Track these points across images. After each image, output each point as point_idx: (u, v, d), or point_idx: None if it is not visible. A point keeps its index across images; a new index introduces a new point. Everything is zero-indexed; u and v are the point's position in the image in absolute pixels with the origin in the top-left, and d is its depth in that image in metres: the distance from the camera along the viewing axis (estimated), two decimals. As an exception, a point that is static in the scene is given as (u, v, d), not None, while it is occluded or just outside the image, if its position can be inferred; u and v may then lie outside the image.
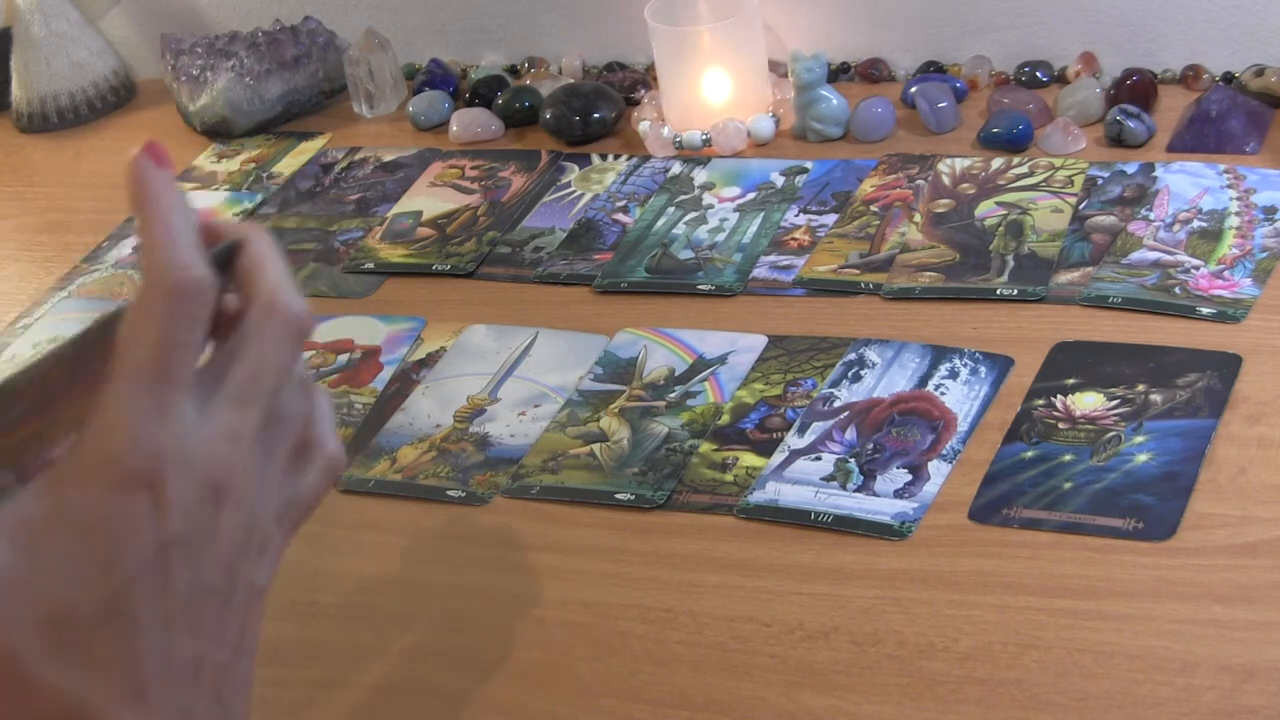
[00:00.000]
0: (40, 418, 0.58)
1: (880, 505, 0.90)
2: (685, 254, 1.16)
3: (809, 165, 1.23)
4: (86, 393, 0.57)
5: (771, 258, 1.13)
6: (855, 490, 0.91)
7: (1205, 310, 0.99)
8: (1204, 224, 1.06)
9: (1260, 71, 1.19)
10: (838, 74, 1.35)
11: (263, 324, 0.59)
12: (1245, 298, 0.99)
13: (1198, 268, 1.03)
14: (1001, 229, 1.10)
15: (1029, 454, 0.91)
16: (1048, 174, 1.15)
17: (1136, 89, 1.21)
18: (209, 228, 0.62)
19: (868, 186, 1.19)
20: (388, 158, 1.37)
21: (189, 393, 0.57)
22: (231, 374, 0.58)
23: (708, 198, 1.22)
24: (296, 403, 0.61)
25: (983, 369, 0.98)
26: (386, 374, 1.10)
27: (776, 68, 1.32)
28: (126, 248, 1.31)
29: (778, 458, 0.95)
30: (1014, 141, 1.19)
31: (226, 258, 0.61)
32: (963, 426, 0.94)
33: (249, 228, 0.63)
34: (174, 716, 0.56)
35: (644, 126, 1.30)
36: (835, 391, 0.99)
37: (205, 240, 0.60)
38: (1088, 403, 0.94)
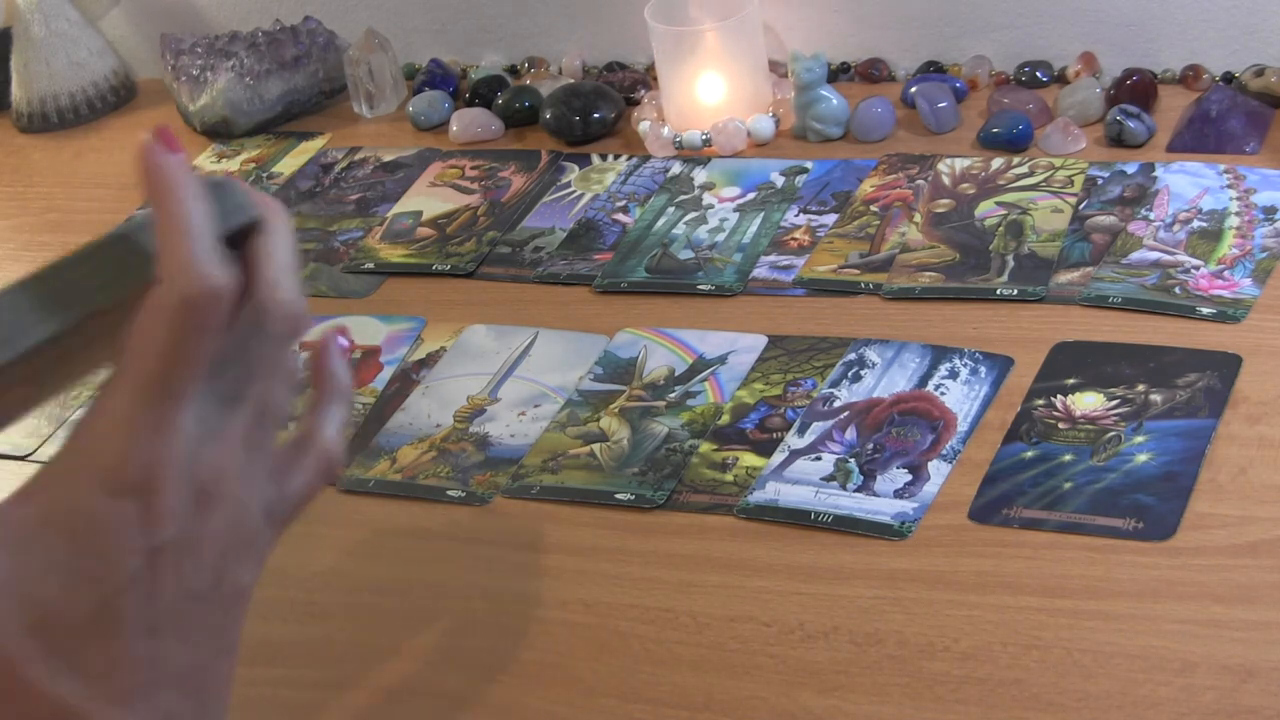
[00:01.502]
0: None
1: (880, 505, 0.90)
2: (685, 254, 1.16)
3: (809, 165, 1.23)
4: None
5: (771, 258, 1.13)
6: (855, 490, 0.91)
7: (1205, 310, 0.99)
8: (1204, 224, 1.06)
9: (1260, 71, 1.19)
10: (838, 74, 1.35)
11: (259, 319, 0.59)
12: (1245, 298, 0.99)
13: (1198, 268, 1.03)
14: (1001, 229, 1.10)
15: (1029, 454, 0.91)
16: (1048, 174, 1.15)
17: (1136, 89, 1.21)
18: (227, 182, 0.60)
19: (868, 186, 1.19)
20: (388, 158, 1.37)
21: (190, 406, 0.56)
22: (225, 374, 0.58)
23: (708, 198, 1.22)
24: (285, 398, 0.60)
25: (983, 369, 0.98)
26: (386, 374, 1.10)
27: (776, 68, 1.32)
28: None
29: (778, 458, 0.95)
30: (1014, 141, 1.19)
31: (243, 233, 0.59)
32: (963, 426, 0.94)
33: (271, 206, 0.61)
34: (159, 719, 0.56)
35: (644, 126, 1.30)
36: (835, 391, 0.99)
37: (227, 208, 0.58)
38: (1088, 403, 0.94)
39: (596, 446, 0.99)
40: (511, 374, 1.08)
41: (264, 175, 1.39)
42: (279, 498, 0.61)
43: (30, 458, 1.09)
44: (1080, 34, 1.27)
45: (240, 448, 0.58)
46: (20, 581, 0.55)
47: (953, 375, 0.98)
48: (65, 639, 0.55)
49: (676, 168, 1.26)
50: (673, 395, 1.02)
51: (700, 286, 1.12)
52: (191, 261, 0.55)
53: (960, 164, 1.19)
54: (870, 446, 0.94)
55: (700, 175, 1.24)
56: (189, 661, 0.57)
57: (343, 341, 0.65)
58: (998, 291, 1.05)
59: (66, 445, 0.56)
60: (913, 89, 1.27)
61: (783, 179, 1.22)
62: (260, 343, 0.59)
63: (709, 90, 1.28)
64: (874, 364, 1.00)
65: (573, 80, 1.41)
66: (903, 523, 0.89)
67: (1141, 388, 0.94)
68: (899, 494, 0.91)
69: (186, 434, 0.56)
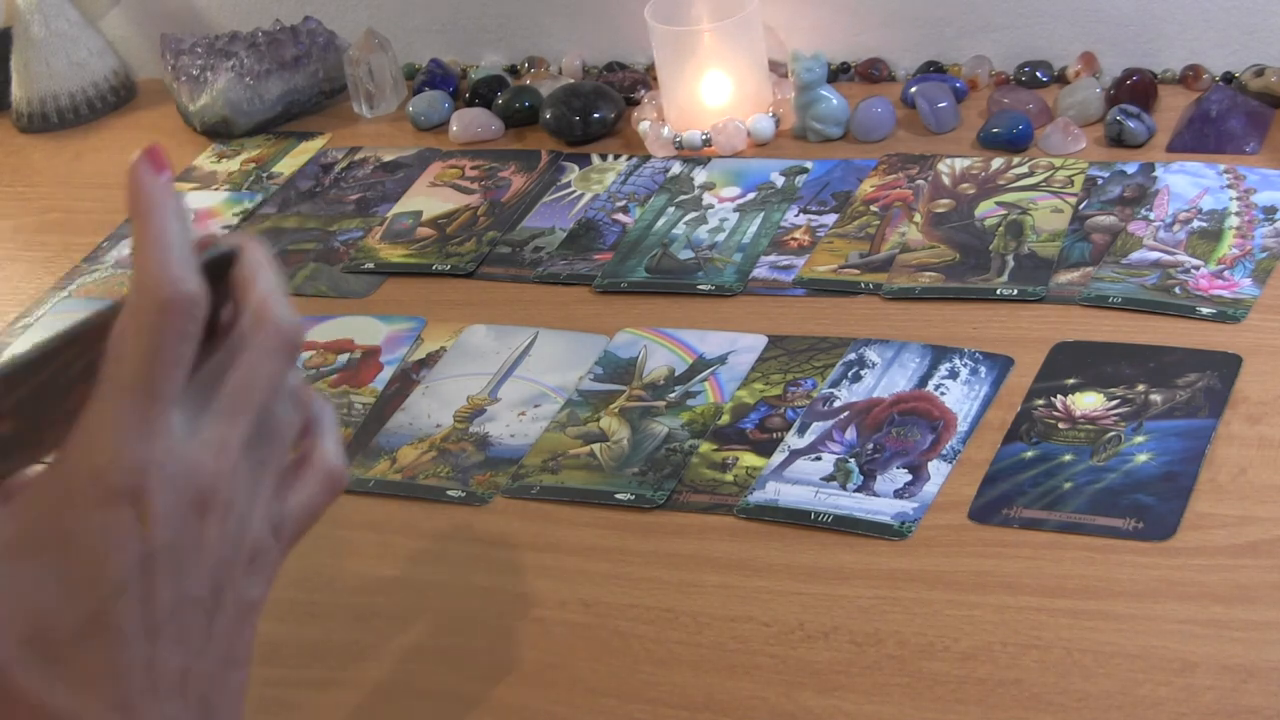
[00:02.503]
0: (23, 417, 0.58)
1: (880, 505, 0.90)
2: (685, 254, 1.16)
3: (809, 165, 1.23)
4: (70, 405, 0.57)
5: (771, 258, 1.13)
6: (855, 490, 0.91)
7: (1205, 310, 0.99)
8: (1204, 224, 1.06)
9: (1260, 71, 1.19)
10: (838, 74, 1.35)
11: (253, 335, 0.59)
12: (1245, 298, 0.99)
13: (1198, 268, 1.03)
14: (1001, 229, 1.10)
15: (1029, 454, 0.91)
16: (1048, 174, 1.15)
17: (1136, 89, 1.21)
18: (206, 238, 0.61)
19: (868, 186, 1.19)
20: (388, 158, 1.37)
21: (176, 407, 0.56)
22: (220, 385, 0.58)
23: (708, 198, 1.22)
24: (289, 415, 0.61)
25: (983, 369, 0.98)
26: (386, 374, 1.10)
27: (776, 68, 1.32)
28: (126, 248, 1.31)
29: (778, 458, 0.95)
30: (1014, 141, 1.19)
31: (222, 265, 0.60)
32: (963, 426, 0.94)
33: (245, 238, 0.63)
34: None
35: (644, 126, 1.30)
36: (835, 391, 0.99)
37: (201, 247, 0.60)
38: (1088, 403, 0.94)
39: (596, 446, 0.99)
40: (511, 374, 1.08)
41: (264, 175, 1.39)
42: (284, 513, 0.61)
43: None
44: (1080, 34, 1.27)
45: (240, 460, 0.58)
46: (13, 591, 0.54)
47: (953, 375, 0.98)
48: (61, 647, 0.55)
49: (676, 168, 1.26)
50: (673, 395, 1.02)
51: (700, 286, 1.12)
52: (166, 270, 0.56)
53: (960, 164, 1.19)
54: (870, 446, 0.94)
55: (700, 175, 1.24)
56: (191, 669, 0.57)
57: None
58: (998, 291, 1.05)
59: (59, 454, 0.56)
60: (913, 89, 1.27)
61: (783, 179, 1.22)
62: (258, 357, 0.59)
63: (709, 90, 1.28)
64: (874, 364, 1.00)
65: (573, 80, 1.41)
66: (903, 523, 0.89)
67: (1141, 388, 0.94)
68: (899, 494, 0.91)
69: (175, 439, 0.56)
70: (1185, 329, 0.98)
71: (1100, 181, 1.13)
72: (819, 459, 0.94)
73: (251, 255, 0.61)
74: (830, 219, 1.16)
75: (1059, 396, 0.95)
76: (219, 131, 1.45)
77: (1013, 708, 0.77)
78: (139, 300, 0.56)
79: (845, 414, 0.97)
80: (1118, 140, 1.17)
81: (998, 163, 1.18)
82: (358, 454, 1.03)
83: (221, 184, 1.39)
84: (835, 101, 1.26)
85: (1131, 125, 1.16)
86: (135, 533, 0.55)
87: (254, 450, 0.59)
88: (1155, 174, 1.12)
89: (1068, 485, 0.88)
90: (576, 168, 1.29)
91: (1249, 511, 0.85)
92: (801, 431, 0.96)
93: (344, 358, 1.13)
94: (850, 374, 1.00)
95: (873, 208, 1.16)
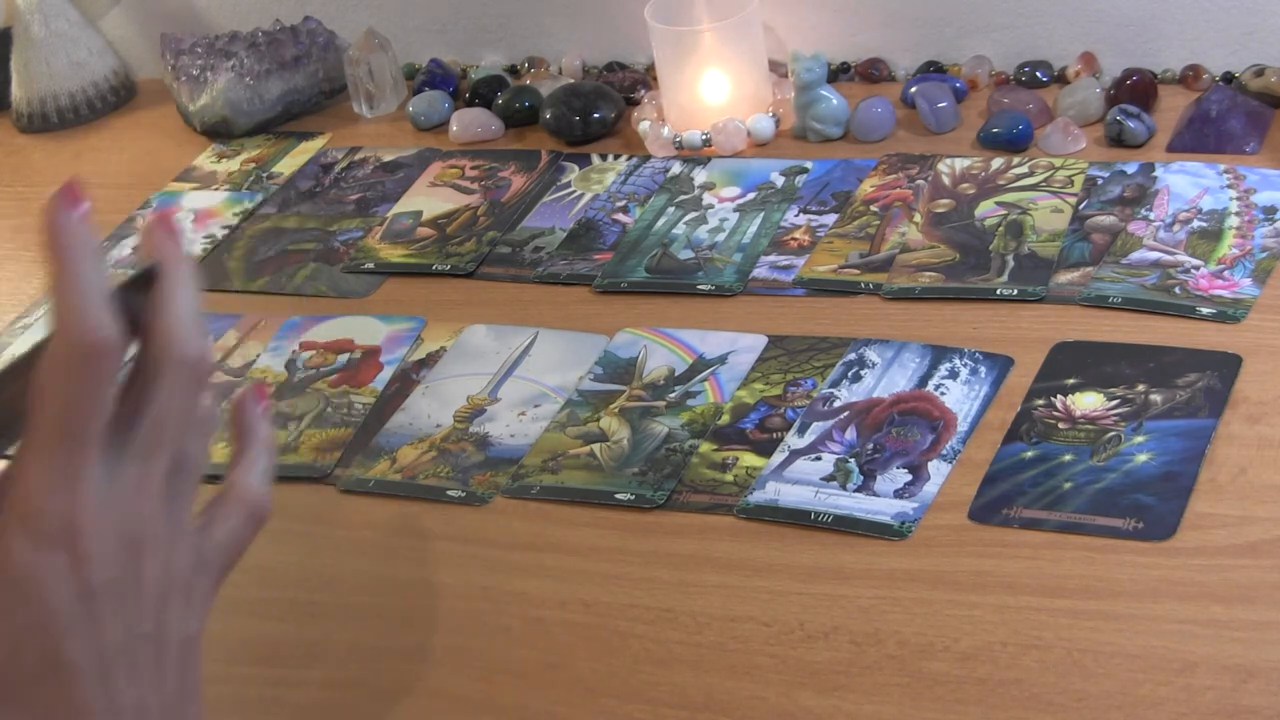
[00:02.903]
0: None
1: (880, 505, 0.90)
2: (685, 254, 1.16)
3: (809, 165, 1.23)
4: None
5: (771, 258, 1.13)
6: (855, 490, 0.91)
7: (1205, 310, 0.99)
8: (1204, 224, 1.06)
9: (1260, 71, 1.19)
10: (838, 74, 1.35)
11: (160, 369, 0.60)
12: (1245, 298, 0.99)
13: (1198, 268, 1.03)
14: (1001, 229, 1.10)
15: (1029, 454, 0.91)
16: (1048, 174, 1.15)
17: (1136, 89, 1.21)
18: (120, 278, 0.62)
19: (868, 186, 1.19)
20: (388, 158, 1.37)
21: (99, 451, 0.58)
22: (135, 424, 0.59)
23: (708, 198, 1.22)
24: (200, 445, 0.62)
25: (983, 369, 0.98)
26: (386, 374, 1.10)
27: (776, 68, 1.32)
28: (126, 248, 1.31)
29: (778, 458, 0.95)
30: (1014, 141, 1.19)
31: (143, 283, 0.61)
32: (963, 426, 0.94)
33: (172, 258, 0.62)
34: None
35: (644, 126, 1.30)
36: (835, 391, 0.99)
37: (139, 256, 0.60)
38: (1088, 403, 0.94)
39: (596, 446, 0.99)
40: (511, 374, 1.08)
41: (264, 175, 1.39)
42: (209, 547, 0.63)
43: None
44: (1080, 34, 1.27)
45: (160, 496, 0.60)
46: None
47: (953, 375, 0.98)
48: (17, 690, 0.56)
49: (676, 168, 1.26)
50: (673, 395, 1.02)
51: (700, 286, 1.12)
52: (82, 315, 0.57)
53: (960, 164, 1.19)
54: (870, 446, 0.94)
55: (700, 175, 1.24)
56: (148, 704, 0.59)
57: (260, 402, 0.67)
58: (998, 291, 1.05)
59: None
60: (913, 89, 1.27)
61: (783, 179, 1.22)
62: (168, 392, 0.60)
63: (709, 90, 1.28)
64: (874, 364, 1.00)
65: (573, 80, 1.41)
66: (903, 523, 0.89)
67: (1141, 388, 0.94)
68: (899, 494, 0.91)
69: (100, 482, 0.57)
70: (1185, 329, 0.98)
71: (1100, 181, 1.13)
72: (819, 459, 0.94)
73: (169, 278, 0.61)
74: (830, 219, 1.16)
75: (1059, 396, 0.95)
76: (219, 131, 1.45)
77: (1013, 708, 0.77)
78: (58, 347, 0.57)
79: (845, 414, 0.97)
80: (1118, 140, 1.17)
81: (998, 163, 1.18)
82: (358, 454, 1.03)
83: (221, 184, 1.39)
84: (835, 101, 1.26)
85: (1131, 125, 1.16)
86: (72, 576, 0.57)
87: (170, 483, 0.60)
88: (1155, 174, 1.12)
89: (1068, 485, 0.88)
90: (576, 168, 1.29)
91: (1249, 511, 0.85)
92: (801, 431, 0.96)
93: (344, 358, 1.13)
94: (850, 374, 1.00)
95: (873, 208, 1.16)
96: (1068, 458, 0.90)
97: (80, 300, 0.57)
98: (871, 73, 1.34)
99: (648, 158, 1.28)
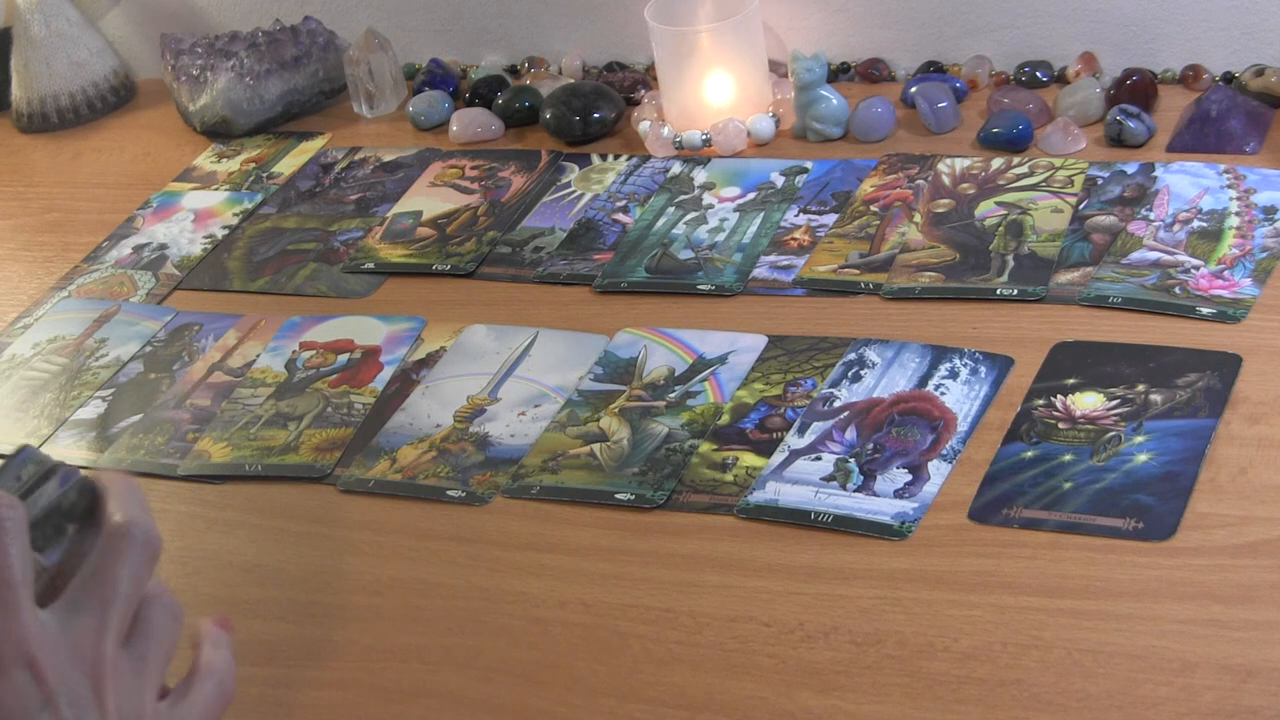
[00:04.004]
0: None
1: (880, 505, 0.90)
2: (685, 254, 1.16)
3: (809, 165, 1.23)
4: None
5: (771, 258, 1.13)
6: (855, 490, 0.91)
7: (1205, 310, 0.99)
8: (1204, 224, 1.06)
9: (1260, 71, 1.19)
10: (838, 74, 1.35)
11: (108, 543, 0.64)
12: (1245, 298, 0.99)
13: (1198, 268, 1.03)
14: (1001, 229, 1.10)
15: (1029, 454, 0.91)
16: (1048, 174, 1.15)
17: (1136, 89, 1.21)
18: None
19: (868, 186, 1.19)
20: (388, 158, 1.37)
21: (31, 591, 0.62)
22: (88, 584, 0.64)
23: (708, 198, 1.22)
24: (166, 621, 0.66)
25: (983, 369, 0.98)
26: (386, 374, 1.10)
27: (776, 68, 1.32)
28: (126, 248, 1.31)
29: (778, 458, 0.95)
30: (1014, 141, 1.19)
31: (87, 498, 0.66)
32: (963, 426, 0.94)
33: (109, 474, 0.68)
34: None
35: (644, 126, 1.30)
36: (835, 391, 0.99)
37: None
38: (1088, 403, 0.94)
39: (596, 446, 0.99)
40: (511, 374, 1.08)
41: (264, 175, 1.39)
42: (177, 717, 0.66)
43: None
44: (1080, 34, 1.27)
45: (118, 644, 0.63)
46: None
47: (953, 375, 0.98)
48: None
49: (676, 168, 1.26)
50: (673, 395, 1.02)
51: (700, 286, 1.12)
52: None
53: (960, 164, 1.19)
54: (870, 446, 0.94)
55: (700, 175, 1.24)
56: None
57: (221, 631, 0.71)
58: (998, 291, 1.05)
59: None
60: (913, 89, 1.27)
61: (783, 179, 1.22)
62: (113, 559, 0.64)
63: (709, 90, 1.28)
64: (874, 364, 1.00)
65: (573, 80, 1.41)
66: (903, 523, 0.89)
67: (1141, 388, 0.94)
68: (899, 494, 0.91)
69: (41, 616, 0.62)
70: (1185, 329, 0.98)
71: (1100, 181, 1.13)
72: (819, 459, 0.94)
73: (111, 497, 0.66)
74: (830, 219, 1.16)
75: (1059, 396, 0.95)
76: (219, 131, 1.45)
77: (1013, 708, 0.77)
78: None
79: (845, 414, 0.97)
80: (1118, 140, 1.17)
81: (998, 163, 1.18)
82: (358, 454, 1.03)
83: (221, 184, 1.39)
84: (835, 101, 1.26)
85: (1131, 125, 1.16)
86: (36, 688, 0.61)
87: (132, 647, 0.64)
88: (1155, 174, 1.12)
89: (1068, 485, 0.88)
90: (576, 168, 1.29)
91: (1249, 511, 0.85)
92: (801, 431, 0.96)
93: (344, 358, 1.13)
94: (850, 374, 1.00)
95: (873, 208, 1.16)
96: (1068, 458, 0.90)
97: None
98: (871, 73, 1.34)
99: (648, 158, 1.29)
